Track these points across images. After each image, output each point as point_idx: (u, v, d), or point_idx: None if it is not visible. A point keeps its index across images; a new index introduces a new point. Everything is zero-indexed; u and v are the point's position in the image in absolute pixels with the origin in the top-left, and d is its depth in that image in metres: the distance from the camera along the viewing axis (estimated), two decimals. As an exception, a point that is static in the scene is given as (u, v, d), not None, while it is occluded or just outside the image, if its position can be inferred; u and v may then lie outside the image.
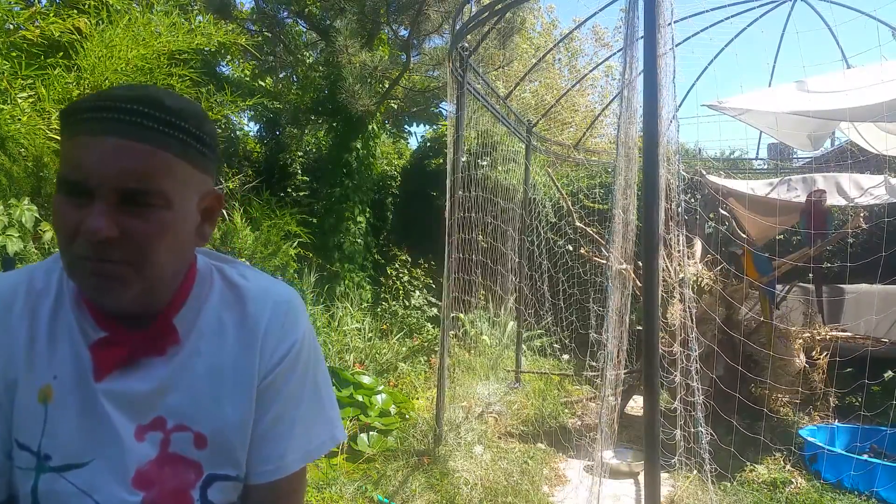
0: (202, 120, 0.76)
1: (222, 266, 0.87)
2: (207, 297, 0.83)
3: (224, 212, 5.34)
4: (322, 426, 0.87)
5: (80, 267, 0.71)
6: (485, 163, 5.10)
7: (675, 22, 2.62)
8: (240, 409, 0.80)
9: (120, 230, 0.69)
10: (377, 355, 5.55)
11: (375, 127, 7.63)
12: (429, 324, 6.79)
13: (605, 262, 3.77)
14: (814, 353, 4.28)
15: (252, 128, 9.33)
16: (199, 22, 3.91)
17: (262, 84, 8.36)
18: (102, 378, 0.76)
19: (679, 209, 2.99)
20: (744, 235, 4.59)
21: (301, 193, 8.14)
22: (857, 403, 4.00)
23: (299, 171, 8.40)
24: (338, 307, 6.26)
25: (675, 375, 3.23)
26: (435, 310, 6.93)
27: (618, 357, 3.15)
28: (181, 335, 0.79)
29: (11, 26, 3.61)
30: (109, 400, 0.76)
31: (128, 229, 0.69)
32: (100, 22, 3.62)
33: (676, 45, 2.82)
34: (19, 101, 3.26)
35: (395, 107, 8.48)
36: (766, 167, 7.89)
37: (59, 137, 3.35)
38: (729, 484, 3.42)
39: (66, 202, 0.71)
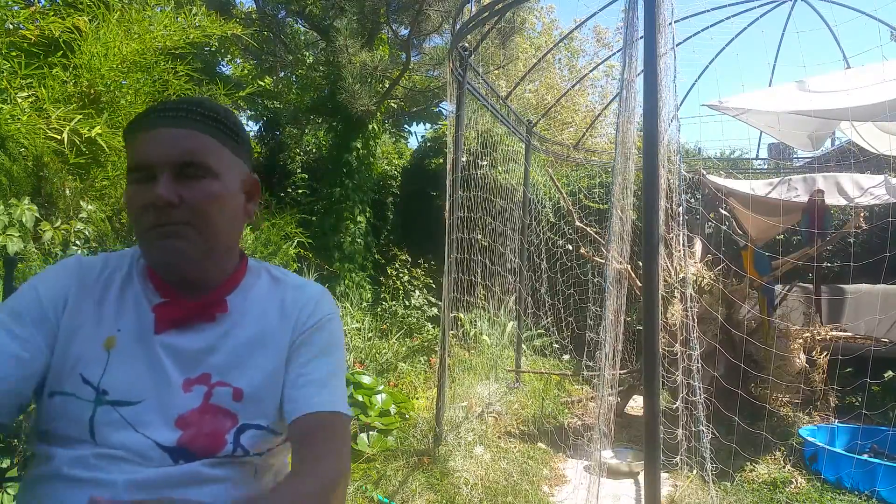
0: (230, 115, 0.99)
1: (268, 266, 1.11)
2: (255, 284, 1.04)
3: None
4: (340, 395, 1.00)
5: (148, 237, 0.90)
6: (485, 163, 5.10)
7: (675, 21, 2.62)
8: (272, 370, 0.97)
9: (179, 197, 0.89)
10: (377, 355, 5.54)
11: (375, 127, 7.63)
12: (429, 324, 6.78)
13: (603, 262, 3.77)
14: (814, 352, 4.28)
15: (252, 128, 9.33)
16: (194, 16, 3.88)
17: (262, 84, 8.35)
18: (161, 332, 0.93)
19: (680, 209, 2.99)
20: (743, 234, 4.59)
21: (301, 193, 8.13)
22: (857, 403, 3.99)
23: (299, 171, 8.39)
24: (337, 307, 6.25)
25: (677, 375, 3.23)
26: (435, 310, 6.92)
27: (614, 357, 3.15)
28: (230, 308, 0.98)
29: (11, 26, 3.60)
30: (165, 350, 0.93)
31: (185, 196, 0.89)
32: (94, 19, 3.61)
33: (677, 45, 2.82)
34: (19, 100, 3.25)
35: (395, 107, 8.48)
36: (766, 167, 7.89)
37: (59, 137, 3.34)
38: (729, 483, 3.41)
39: (136, 188, 0.91)
